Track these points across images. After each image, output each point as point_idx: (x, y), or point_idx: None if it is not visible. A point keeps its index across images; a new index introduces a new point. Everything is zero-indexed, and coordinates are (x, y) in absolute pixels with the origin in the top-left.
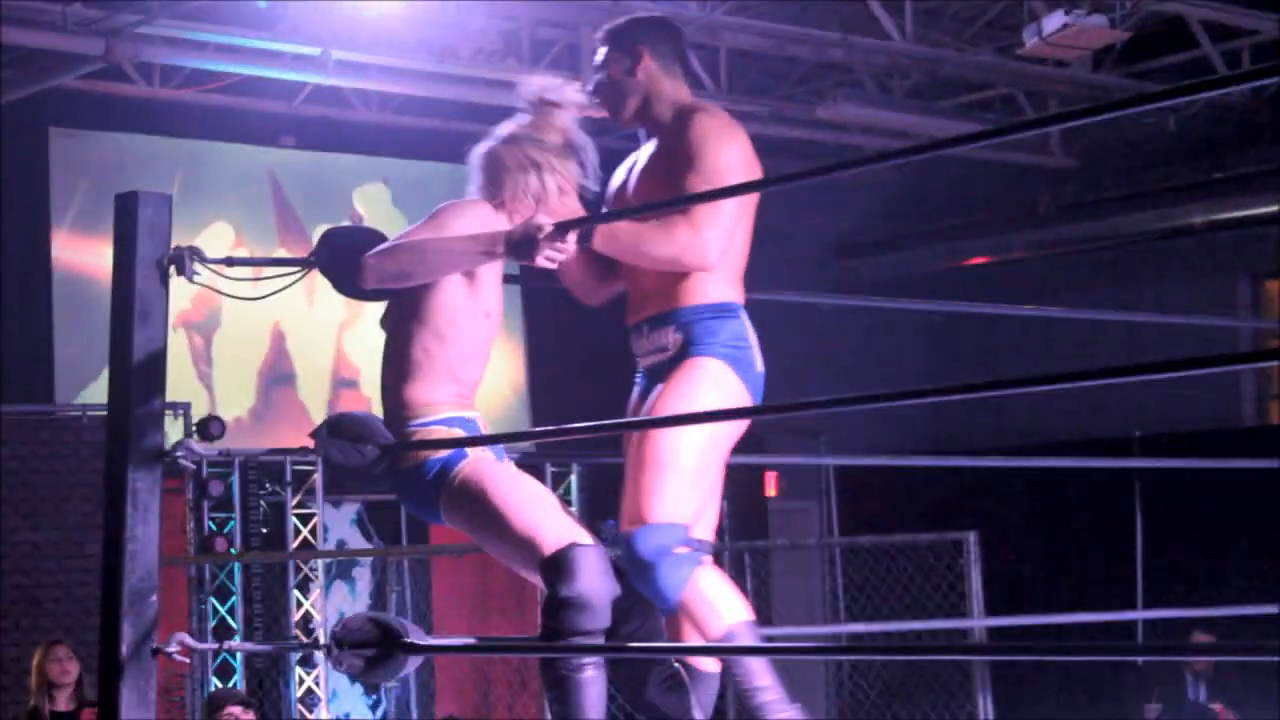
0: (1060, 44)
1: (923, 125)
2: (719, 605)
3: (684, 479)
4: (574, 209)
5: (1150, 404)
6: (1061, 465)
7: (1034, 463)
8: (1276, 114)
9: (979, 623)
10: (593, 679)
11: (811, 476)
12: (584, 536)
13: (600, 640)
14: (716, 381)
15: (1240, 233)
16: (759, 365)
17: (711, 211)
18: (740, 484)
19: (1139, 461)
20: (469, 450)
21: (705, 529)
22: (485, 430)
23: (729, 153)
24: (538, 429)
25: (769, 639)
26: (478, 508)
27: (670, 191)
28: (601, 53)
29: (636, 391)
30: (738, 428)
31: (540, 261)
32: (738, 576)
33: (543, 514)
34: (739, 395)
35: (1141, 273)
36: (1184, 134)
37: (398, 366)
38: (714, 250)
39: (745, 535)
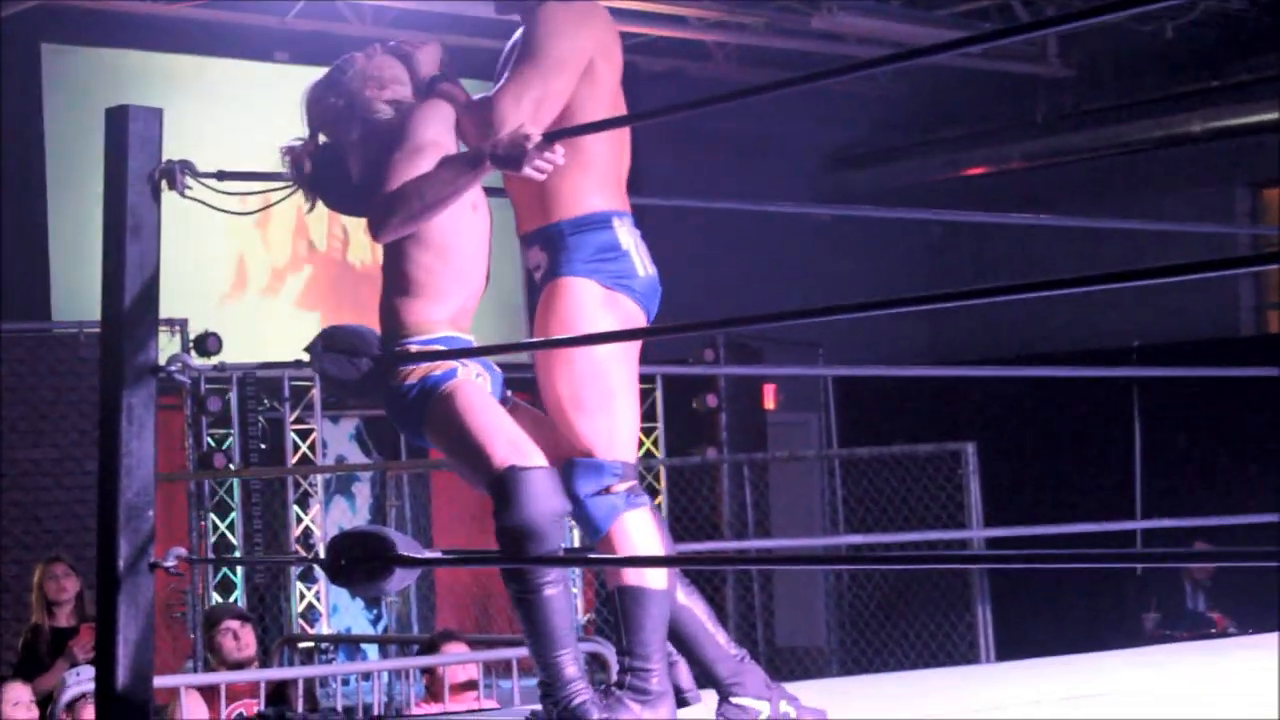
0: None
1: (919, 34)
2: (640, 549)
3: (598, 409)
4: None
5: (1148, 314)
6: (1060, 375)
7: (1032, 372)
8: (1276, 21)
9: (977, 533)
10: (554, 596)
11: (810, 389)
12: (530, 456)
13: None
14: (585, 298)
15: (1239, 141)
16: (641, 270)
17: (524, 82)
18: (739, 397)
19: (1137, 370)
20: (459, 372)
21: (631, 443)
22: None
23: (566, 37)
24: (523, 341)
25: (769, 551)
26: (448, 427)
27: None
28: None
29: None
30: (633, 343)
31: (528, 172)
32: (737, 489)
33: (498, 433)
34: (618, 305)
35: (1140, 182)
36: (1182, 42)
37: (394, 284)
38: (527, 111)
39: (744, 448)
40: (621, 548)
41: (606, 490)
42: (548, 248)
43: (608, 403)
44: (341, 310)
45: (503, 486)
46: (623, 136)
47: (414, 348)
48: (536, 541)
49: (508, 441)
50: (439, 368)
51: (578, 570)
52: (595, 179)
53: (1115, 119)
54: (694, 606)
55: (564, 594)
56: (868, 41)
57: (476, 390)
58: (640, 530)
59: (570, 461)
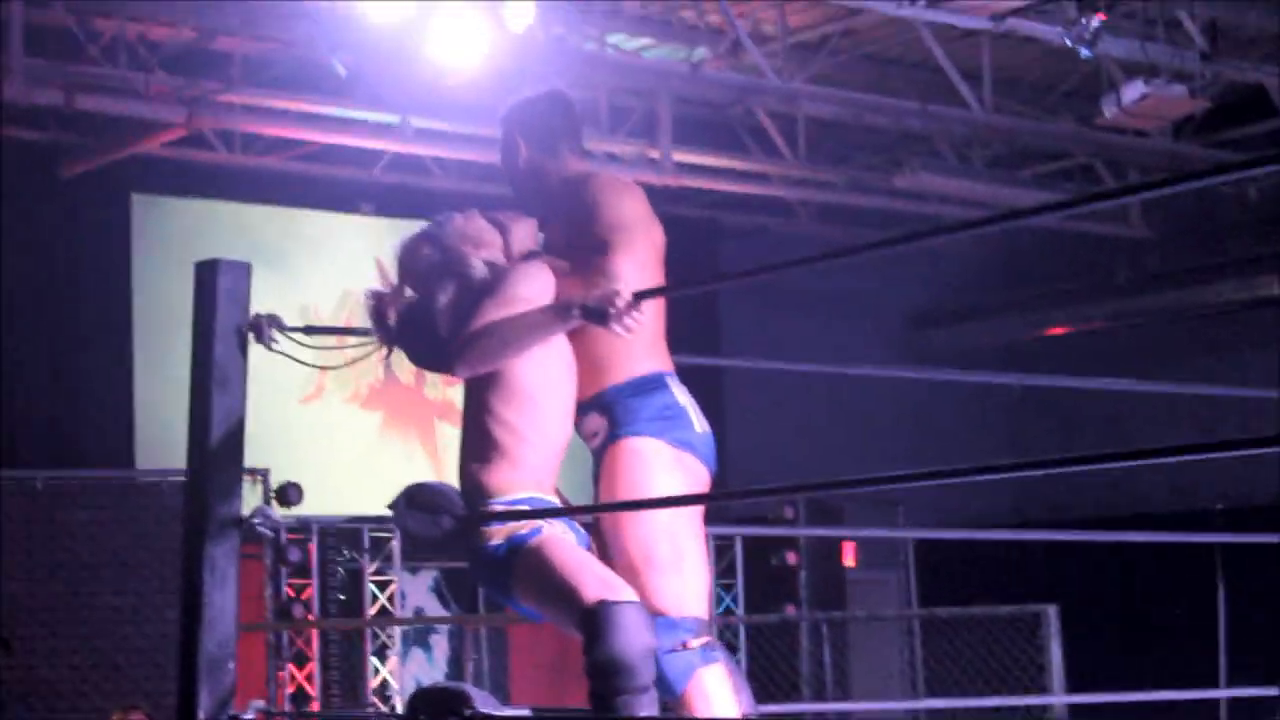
0: (1140, 114)
1: (1001, 195)
2: (715, 707)
3: (670, 568)
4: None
5: (1232, 476)
6: (1143, 540)
7: (1115, 537)
8: None
9: (1059, 699)
10: None
11: (890, 547)
12: (621, 592)
13: (651, 695)
14: (651, 458)
15: None
16: (698, 427)
17: (622, 245)
18: (819, 554)
19: (1221, 536)
20: (544, 528)
21: (701, 598)
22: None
23: (630, 203)
24: (609, 502)
25: (847, 715)
26: (537, 576)
27: (574, 254)
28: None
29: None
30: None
31: (615, 329)
32: (815, 647)
33: (587, 571)
34: (682, 462)
35: (1223, 343)
36: (1265, 203)
37: (477, 446)
38: (627, 281)
39: (823, 606)
40: (698, 705)
41: (682, 646)
42: (606, 412)
43: (679, 561)
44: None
45: (593, 621)
46: (662, 300)
47: (498, 508)
48: (627, 676)
49: (597, 578)
50: (524, 526)
51: None
52: (646, 341)
53: (1198, 280)
54: None
55: None
56: (949, 200)
57: (562, 541)
58: (716, 687)
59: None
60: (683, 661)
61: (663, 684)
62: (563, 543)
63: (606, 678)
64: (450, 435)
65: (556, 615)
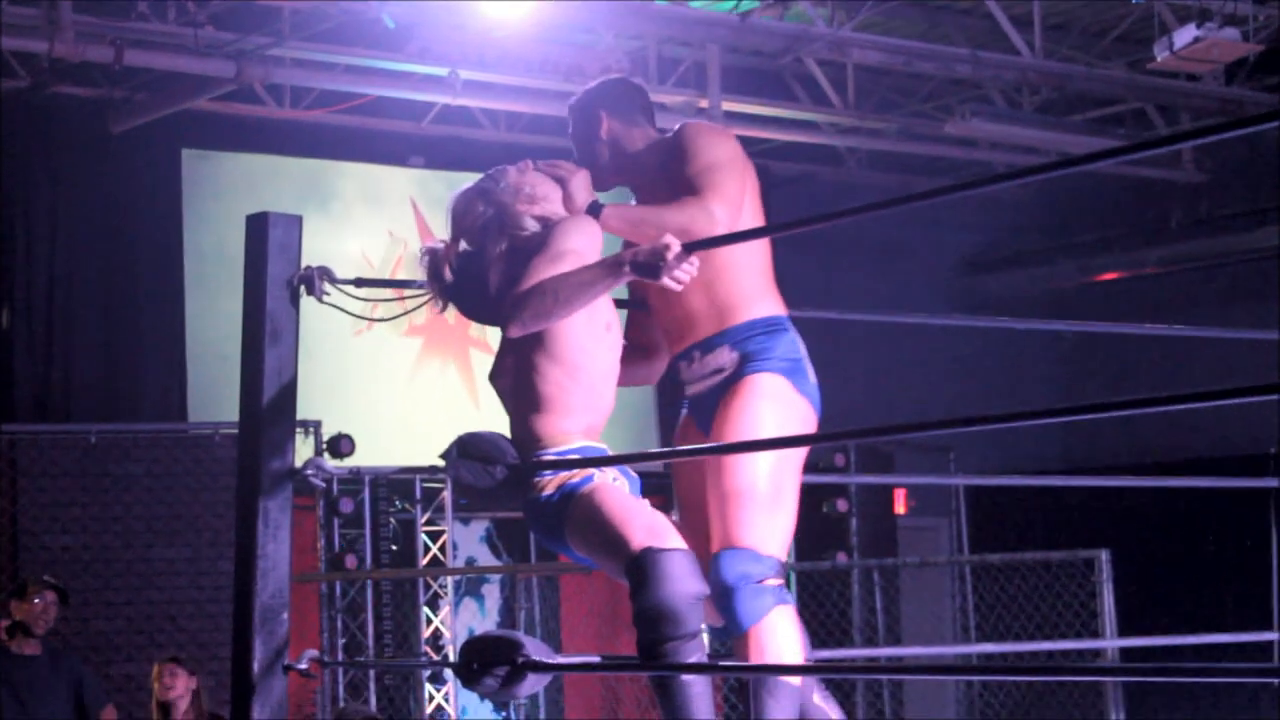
0: (1192, 58)
1: (1052, 140)
2: (784, 653)
3: (767, 505)
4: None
5: None
6: (1195, 485)
7: (1167, 482)
8: None
9: (1111, 643)
10: (694, 680)
11: (941, 494)
12: (668, 539)
13: (698, 642)
14: (778, 397)
15: None
16: (812, 377)
17: (716, 185)
18: (870, 501)
19: (1274, 481)
20: (595, 475)
21: (785, 542)
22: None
23: (722, 146)
24: (659, 450)
25: (899, 660)
26: (587, 524)
27: (676, 192)
28: (570, 128)
29: (685, 417)
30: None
31: (666, 282)
32: (867, 594)
33: (635, 519)
34: (800, 408)
35: (1275, 287)
36: None
37: (527, 399)
38: (720, 218)
39: (874, 553)
40: (766, 643)
41: (761, 581)
42: (740, 346)
43: (776, 500)
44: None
45: (639, 568)
46: (767, 244)
47: (550, 458)
48: (673, 623)
49: (644, 526)
50: (575, 475)
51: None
52: (770, 283)
53: (1251, 224)
54: (829, 712)
55: (703, 679)
56: (1000, 147)
57: (613, 489)
58: (786, 629)
59: (726, 550)
60: (759, 598)
61: (734, 617)
62: (613, 490)
63: (653, 625)
64: (483, 361)
65: (606, 562)
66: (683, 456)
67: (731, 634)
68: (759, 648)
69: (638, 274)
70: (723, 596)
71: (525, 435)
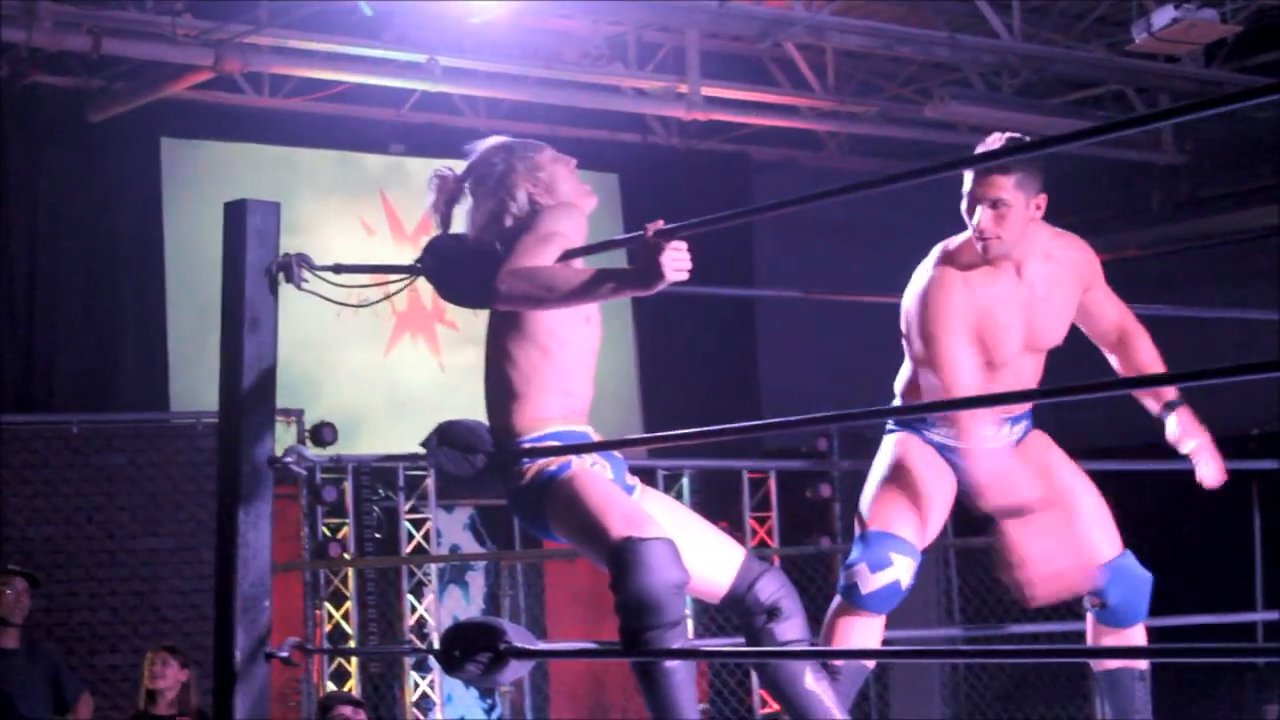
0: (1170, 39)
1: (1032, 123)
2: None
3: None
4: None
5: (1267, 401)
6: (1176, 468)
7: (1148, 466)
8: None
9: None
10: (677, 668)
11: None
12: (647, 528)
13: (680, 630)
14: None
15: None
16: None
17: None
18: (853, 487)
19: (1256, 463)
20: (573, 462)
21: None
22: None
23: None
24: (641, 435)
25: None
26: (567, 512)
27: None
28: (1004, 182)
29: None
30: None
31: (672, 276)
32: None
33: (613, 508)
34: None
35: (1256, 268)
36: None
37: (501, 385)
38: None
39: None
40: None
41: None
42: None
43: None
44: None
45: (619, 557)
46: None
47: (528, 446)
48: (655, 612)
49: (623, 516)
50: (553, 463)
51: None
52: None
53: (1231, 206)
54: (822, 696)
55: (686, 667)
56: (980, 130)
57: (592, 475)
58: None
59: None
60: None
61: (1141, 611)
62: (592, 477)
63: (635, 614)
64: (448, 336)
65: (587, 550)
66: (657, 443)
67: (1123, 622)
68: (1143, 638)
69: (641, 285)
70: (1146, 587)
71: (502, 425)
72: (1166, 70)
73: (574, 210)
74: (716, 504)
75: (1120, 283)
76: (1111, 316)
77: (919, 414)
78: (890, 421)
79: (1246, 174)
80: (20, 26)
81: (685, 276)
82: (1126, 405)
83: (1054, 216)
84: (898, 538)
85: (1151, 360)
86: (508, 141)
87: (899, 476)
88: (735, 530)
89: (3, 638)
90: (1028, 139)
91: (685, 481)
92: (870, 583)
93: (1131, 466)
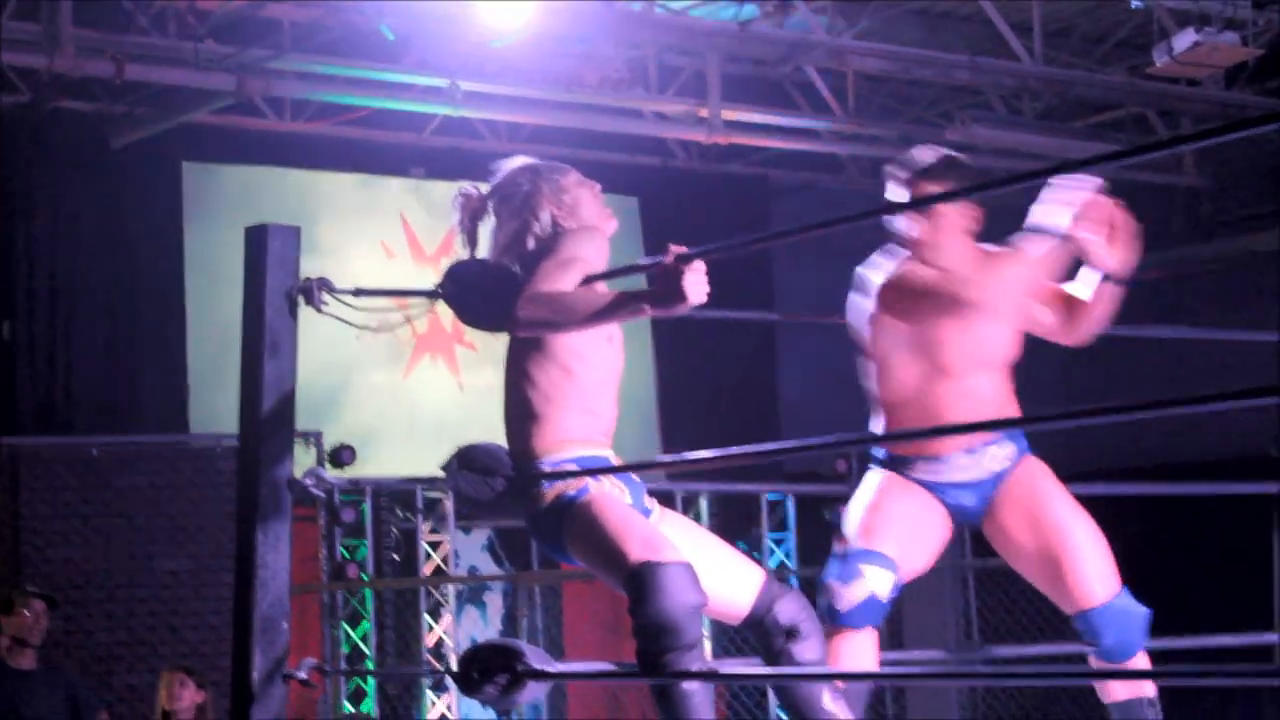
0: (1192, 62)
1: (1053, 146)
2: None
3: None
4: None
5: None
6: (1196, 492)
7: (1168, 489)
8: None
9: None
10: (695, 690)
11: None
12: (664, 552)
13: (698, 652)
14: None
15: None
16: None
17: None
18: None
19: (1276, 486)
20: (591, 486)
21: None
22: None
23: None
24: (661, 459)
25: (898, 663)
26: (585, 537)
27: None
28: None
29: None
30: None
31: (695, 299)
32: None
33: (631, 531)
34: None
35: (1275, 292)
36: None
37: (521, 406)
38: None
39: None
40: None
41: None
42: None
43: None
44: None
45: (638, 581)
46: None
47: (547, 469)
48: (674, 634)
49: (640, 539)
50: (571, 486)
51: None
52: None
53: (1253, 229)
54: (839, 713)
55: (704, 689)
56: (1002, 153)
57: (609, 499)
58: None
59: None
60: None
61: (1139, 642)
62: (610, 501)
63: (653, 638)
64: (467, 357)
65: (605, 575)
66: (676, 467)
67: (1122, 657)
68: (1145, 664)
69: (661, 305)
70: (1141, 624)
71: (521, 448)
72: (1187, 93)
73: (595, 234)
74: (734, 526)
75: (1141, 305)
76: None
77: (949, 435)
78: (872, 456)
79: (1268, 197)
80: (43, 52)
81: (705, 299)
82: (1142, 425)
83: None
84: (870, 551)
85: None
86: (533, 163)
87: (879, 500)
88: (753, 552)
89: (20, 659)
90: (961, 157)
91: (703, 503)
92: (842, 598)
93: (1147, 490)
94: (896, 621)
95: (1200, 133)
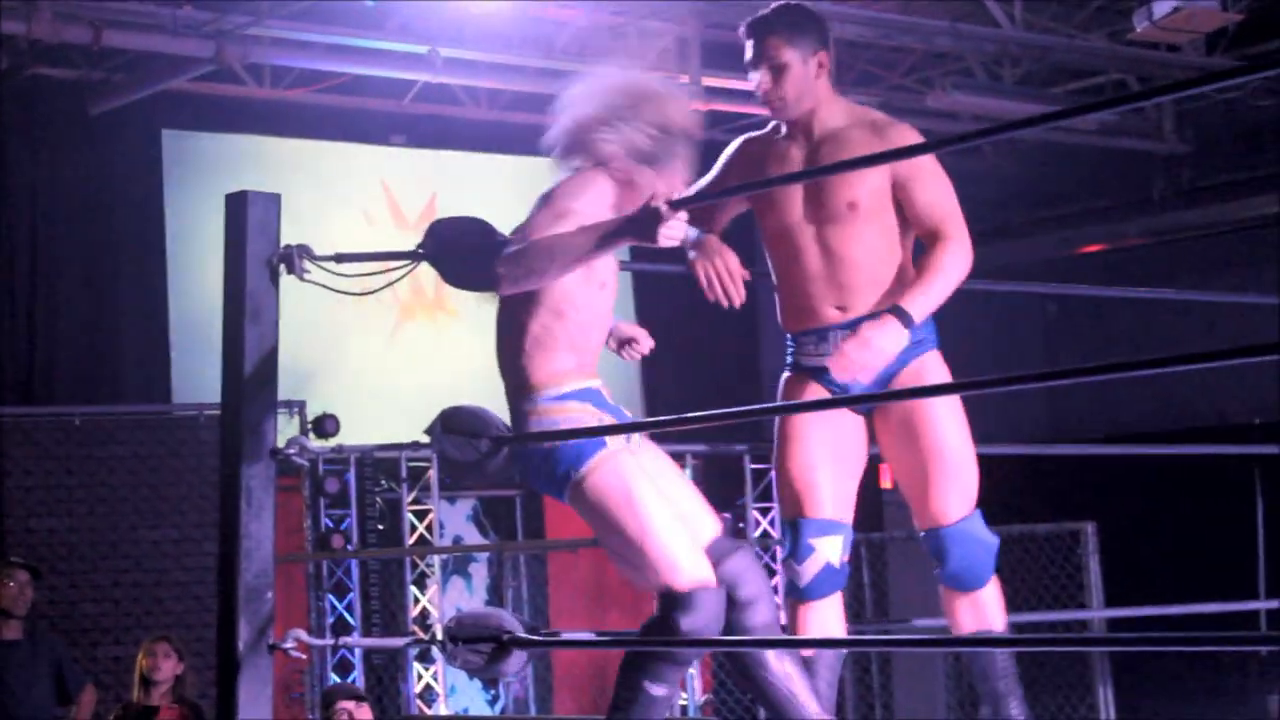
0: (1171, 28)
1: (1034, 112)
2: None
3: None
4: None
5: (1271, 389)
6: (1179, 453)
7: (1151, 450)
8: None
9: (1098, 614)
10: (663, 698)
11: None
12: (704, 565)
13: (684, 670)
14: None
15: None
16: None
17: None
18: None
19: (1259, 448)
20: (608, 442)
21: None
22: (610, 399)
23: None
24: (658, 418)
25: (885, 632)
26: (611, 514)
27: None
28: (776, 43)
29: (813, 385)
30: None
31: (663, 241)
32: (854, 570)
33: (678, 543)
34: None
35: (1260, 256)
36: None
37: (515, 341)
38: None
39: (861, 528)
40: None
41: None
42: (925, 323)
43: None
44: None
45: (692, 602)
46: None
47: (545, 406)
48: (682, 657)
49: (689, 552)
50: (579, 428)
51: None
52: None
53: (1233, 194)
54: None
55: (668, 702)
56: (982, 119)
57: (631, 469)
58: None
59: (978, 511)
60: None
61: (985, 572)
62: (628, 470)
63: (670, 640)
64: (450, 324)
65: (620, 552)
66: (658, 428)
67: (966, 586)
68: (996, 599)
69: (635, 238)
70: (988, 552)
71: (517, 379)
72: (1168, 59)
73: (592, 180)
74: (719, 494)
75: (1123, 271)
76: (923, 213)
77: (928, 398)
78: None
79: (1248, 162)
80: (20, 18)
81: (675, 243)
82: (1124, 389)
83: (1056, 204)
84: (813, 521)
85: (934, 265)
86: (588, 115)
87: (793, 447)
88: (739, 523)
89: (5, 630)
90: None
91: (688, 471)
92: (802, 574)
93: (1129, 451)
94: (881, 590)
95: (1177, 83)
